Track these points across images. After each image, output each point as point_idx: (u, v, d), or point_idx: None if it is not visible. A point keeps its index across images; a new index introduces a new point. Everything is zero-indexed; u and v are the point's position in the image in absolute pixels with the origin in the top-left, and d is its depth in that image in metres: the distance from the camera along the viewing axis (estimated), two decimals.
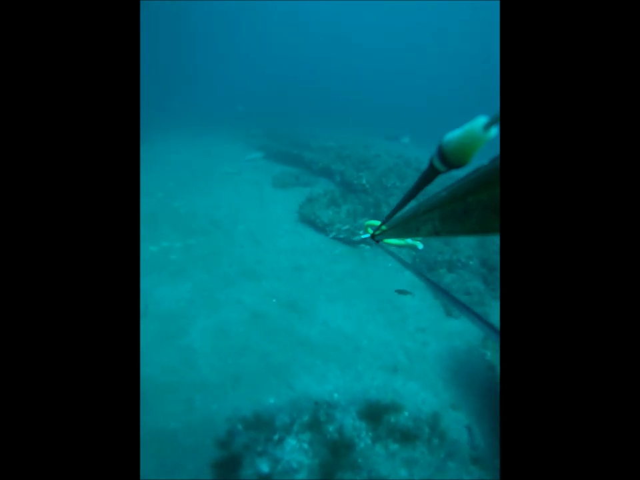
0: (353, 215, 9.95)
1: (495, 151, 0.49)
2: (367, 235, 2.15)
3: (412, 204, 1.00)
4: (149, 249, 8.56)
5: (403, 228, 1.06)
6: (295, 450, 4.41)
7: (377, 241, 1.94)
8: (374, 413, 4.95)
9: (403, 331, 6.74)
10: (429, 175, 0.82)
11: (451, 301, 0.89)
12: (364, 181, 11.52)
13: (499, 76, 0.63)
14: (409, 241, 2.05)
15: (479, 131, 0.58)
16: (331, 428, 4.66)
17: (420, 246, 2.15)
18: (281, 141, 16.83)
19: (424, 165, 13.46)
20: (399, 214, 1.20)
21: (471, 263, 8.51)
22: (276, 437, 4.51)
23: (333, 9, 39.87)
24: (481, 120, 0.57)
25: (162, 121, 21.11)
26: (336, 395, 5.42)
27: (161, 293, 7.22)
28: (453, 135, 0.64)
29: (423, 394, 5.57)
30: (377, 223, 1.94)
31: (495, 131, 0.57)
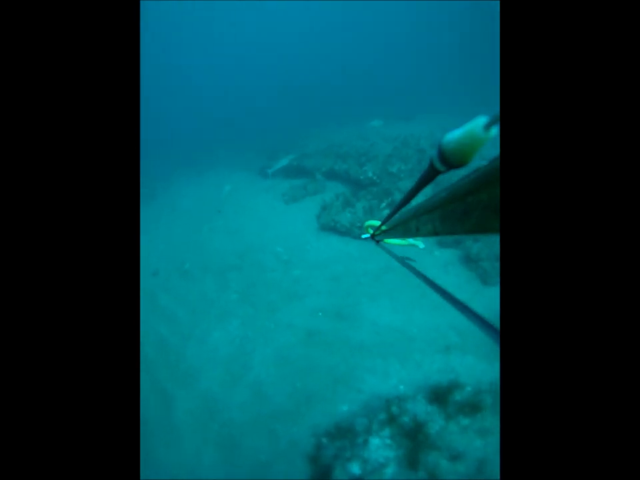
0: (369, 210, 10.02)
1: (495, 151, 0.49)
2: (367, 235, 2.11)
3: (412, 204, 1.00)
4: (189, 298, 9.04)
5: (403, 228, 1.06)
6: (380, 447, 4.79)
7: (377, 241, 1.92)
8: (440, 395, 5.25)
9: (448, 312, 6.82)
10: (429, 175, 0.81)
11: (451, 301, 0.84)
12: (370, 174, 11.56)
13: (499, 76, 0.64)
14: (411, 240, 1.96)
15: (479, 131, 0.58)
16: (406, 419, 5.00)
17: (421, 245, 2.09)
18: (276, 155, 16.60)
19: (422, 142, 13.58)
20: (398, 214, 1.20)
21: None
22: (360, 440, 4.89)
23: (300, 9, 39.65)
24: (481, 120, 0.57)
25: (151, 165, 20.96)
26: (402, 387, 5.71)
27: (214, 338, 7.64)
28: (453, 135, 0.64)
29: (480, 366, 5.79)
30: (377, 223, 1.90)
31: (495, 131, 0.57)
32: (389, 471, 4.64)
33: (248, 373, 6.66)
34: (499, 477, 4.50)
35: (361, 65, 33.72)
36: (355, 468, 4.68)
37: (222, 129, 26.32)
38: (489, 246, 8.05)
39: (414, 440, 4.81)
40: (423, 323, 6.87)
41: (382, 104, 21.59)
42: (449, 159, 0.68)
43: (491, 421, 4.86)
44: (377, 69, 32.14)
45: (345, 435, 5.10)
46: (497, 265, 7.64)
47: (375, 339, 6.71)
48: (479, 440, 4.73)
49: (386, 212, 9.62)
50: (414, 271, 1.20)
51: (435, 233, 0.73)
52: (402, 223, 1.08)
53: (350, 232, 9.76)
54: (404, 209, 1.11)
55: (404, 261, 1.43)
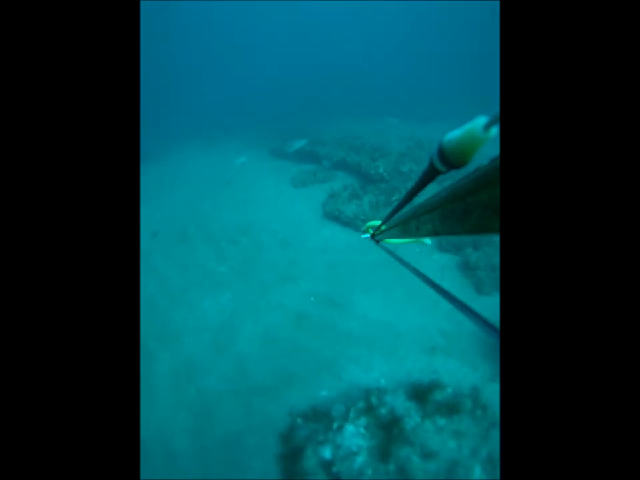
0: (375, 206, 9.98)
1: (495, 150, 0.49)
2: (367, 235, 2.09)
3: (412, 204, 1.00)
4: (185, 263, 9.06)
5: (403, 228, 1.06)
6: (354, 435, 4.83)
7: (377, 241, 1.90)
8: (420, 393, 5.28)
9: (437, 314, 6.97)
10: (429, 174, 0.81)
11: (451, 300, 0.85)
12: (381, 170, 11.54)
13: (499, 76, 0.63)
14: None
15: (479, 131, 0.58)
16: (383, 411, 5.04)
17: (428, 242, 1.96)
18: (291, 138, 16.42)
19: (436, 145, 13.28)
20: (398, 214, 1.20)
21: (495, 239, 8.67)
22: (335, 425, 4.93)
23: (327, 7, 39.47)
24: (481, 120, 0.57)
25: (164, 132, 21.46)
26: (383, 381, 5.79)
27: (204, 306, 7.69)
28: (453, 135, 0.64)
29: (462, 370, 5.87)
30: (377, 223, 1.90)
31: (495, 131, 0.57)
32: (360, 459, 4.68)
33: (233, 345, 6.73)
34: None
35: (382, 64, 33.56)
36: (327, 452, 4.73)
37: (239, 108, 26.34)
38: (488, 256, 8.10)
39: (389, 432, 4.85)
40: (411, 321, 6.93)
41: (398, 104, 21.54)
42: (449, 159, 0.68)
43: (468, 424, 4.91)
44: (397, 69, 31.97)
45: (321, 418, 5.14)
46: (494, 275, 7.70)
47: (362, 331, 6.78)
48: (454, 441, 4.77)
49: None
50: (414, 271, 1.20)
51: (435, 233, 0.73)
52: (402, 223, 1.07)
53: (353, 223, 9.78)
54: (404, 209, 1.11)
55: (404, 261, 1.43)
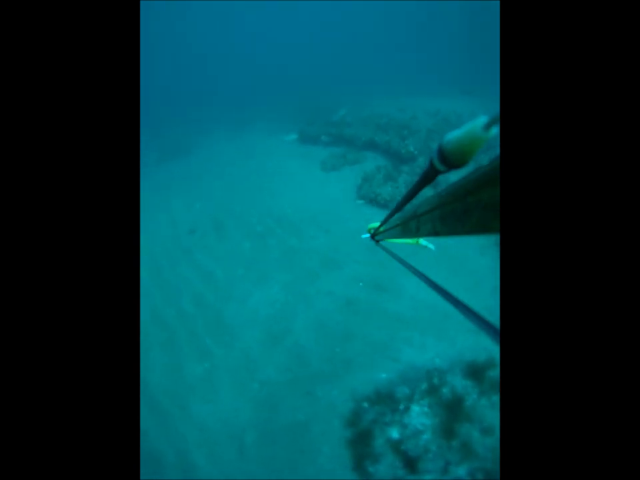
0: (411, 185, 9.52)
1: (495, 150, 0.76)
2: (367, 235, 2.09)
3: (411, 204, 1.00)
4: (227, 257, 9.28)
5: (403, 228, 1.05)
6: (419, 414, 5.00)
7: (377, 241, 1.90)
8: (475, 371, 5.42)
9: (483, 292, 6.97)
10: (429, 175, 0.80)
11: (452, 301, 0.82)
12: (411, 148, 11.45)
13: (499, 76, 0.63)
14: (422, 241, 1.94)
15: (479, 130, 0.57)
16: (445, 390, 5.19)
17: (432, 247, 2.09)
18: (315, 123, 16.65)
19: (464, 119, 13.28)
20: (398, 214, 1.18)
21: None
22: (402, 407, 5.11)
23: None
24: (481, 120, 0.57)
25: (193, 125, 22.04)
26: (438, 361, 5.89)
27: (254, 299, 7.86)
28: (453, 135, 0.64)
29: None
30: (377, 223, 1.88)
31: (495, 131, 0.56)
32: (425, 437, 4.85)
33: (288, 335, 6.89)
34: None
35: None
36: (394, 432, 4.91)
37: (262, 93, 26.57)
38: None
39: (450, 411, 5.00)
40: None
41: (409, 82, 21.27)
42: (449, 159, 0.67)
43: None
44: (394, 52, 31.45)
45: (385, 401, 5.31)
46: None
47: (412, 313, 6.86)
48: None
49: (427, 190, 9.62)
50: (415, 271, 1.18)
51: (435, 233, 0.72)
52: (402, 223, 1.07)
53: (389, 205, 9.72)
54: (404, 209, 1.11)
55: (404, 261, 1.40)
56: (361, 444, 5.07)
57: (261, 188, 12.22)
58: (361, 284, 7.69)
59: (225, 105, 25.76)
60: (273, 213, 10.59)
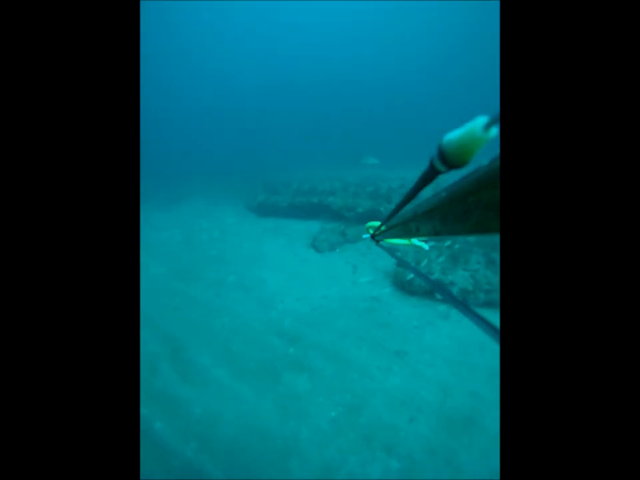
0: (451, 258, 7.86)
1: (495, 150, 0.47)
2: (367, 236, 2.13)
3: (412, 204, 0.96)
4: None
5: (403, 228, 1.05)
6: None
7: (377, 241, 1.91)
8: None
9: None
10: (429, 175, 0.81)
11: (452, 302, 0.86)
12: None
13: (499, 76, 0.64)
14: (415, 241, 1.95)
15: (479, 131, 0.57)
16: None
17: (426, 247, 2.09)
18: (282, 192, 14.26)
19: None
20: (398, 214, 1.18)
21: None
22: None
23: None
24: (481, 120, 0.56)
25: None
26: None
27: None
28: (453, 135, 0.64)
29: None
30: (377, 223, 1.92)
31: (495, 131, 0.56)
32: None
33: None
34: None
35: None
36: None
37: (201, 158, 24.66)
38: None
39: None
40: None
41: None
42: (449, 159, 0.67)
43: None
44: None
45: None
46: None
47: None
48: None
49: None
50: (415, 271, 1.21)
51: (435, 233, 0.72)
52: (402, 223, 1.06)
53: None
54: (404, 209, 1.10)
55: (404, 262, 1.47)
56: None
57: (238, 284, 8.83)
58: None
59: (154, 177, 20.91)
60: (275, 328, 7.11)
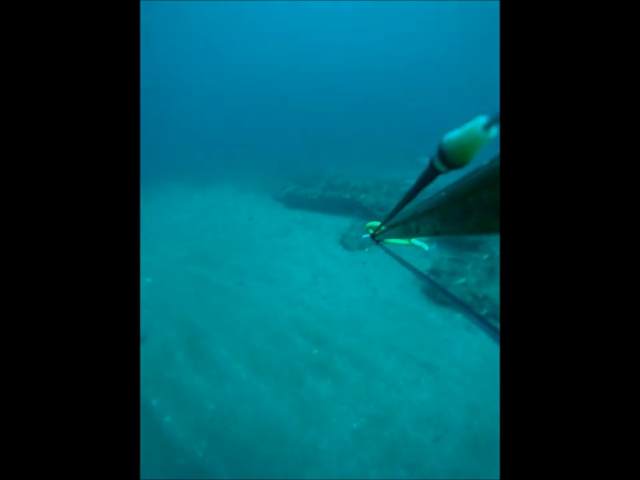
0: (490, 272, 7.54)
1: (495, 150, 0.48)
2: (367, 236, 2.13)
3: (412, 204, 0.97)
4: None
5: (403, 228, 1.06)
6: None
7: (377, 241, 1.94)
8: None
9: None
10: (429, 175, 0.80)
11: (452, 301, 0.90)
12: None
13: (499, 76, 0.64)
14: (415, 241, 1.96)
15: (479, 131, 0.56)
16: None
17: (426, 247, 2.08)
18: (314, 184, 13.73)
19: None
20: (399, 214, 1.19)
21: None
22: None
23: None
24: (481, 120, 0.56)
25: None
26: None
27: None
28: (453, 135, 0.63)
29: None
30: (377, 223, 1.93)
31: (495, 131, 0.55)
32: None
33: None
34: None
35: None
36: None
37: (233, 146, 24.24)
38: None
39: None
40: None
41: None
42: (449, 159, 0.66)
43: None
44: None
45: None
46: None
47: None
48: None
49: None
50: (415, 271, 1.26)
51: (435, 233, 0.72)
52: (402, 223, 1.08)
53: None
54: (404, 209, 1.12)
55: (404, 262, 1.49)
56: None
57: (265, 278, 8.47)
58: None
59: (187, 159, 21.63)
60: (303, 329, 6.74)
